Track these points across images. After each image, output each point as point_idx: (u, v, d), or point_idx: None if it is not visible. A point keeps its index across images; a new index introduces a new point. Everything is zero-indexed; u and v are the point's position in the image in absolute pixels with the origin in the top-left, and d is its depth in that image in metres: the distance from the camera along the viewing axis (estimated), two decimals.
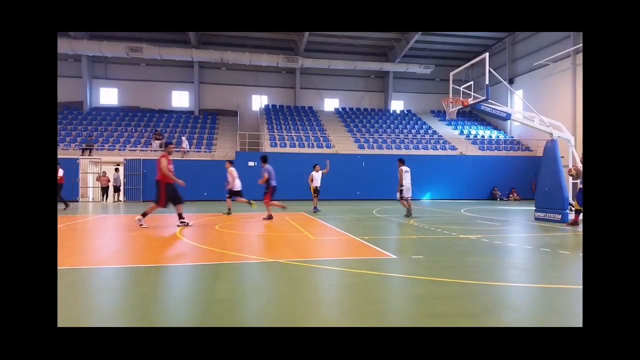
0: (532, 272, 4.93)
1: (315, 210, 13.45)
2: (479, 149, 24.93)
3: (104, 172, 20.86)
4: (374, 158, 22.67)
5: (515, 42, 27.07)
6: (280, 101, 29.50)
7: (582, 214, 9.14)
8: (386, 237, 7.88)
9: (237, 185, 12.27)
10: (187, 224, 8.90)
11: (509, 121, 23.84)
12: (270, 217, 10.71)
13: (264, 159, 11.39)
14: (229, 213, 12.11)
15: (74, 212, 12.69)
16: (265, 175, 10.85)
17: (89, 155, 20.96)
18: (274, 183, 11.05)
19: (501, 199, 22.35)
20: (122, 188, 20.75)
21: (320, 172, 13.84)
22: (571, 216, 9.60)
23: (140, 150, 22.05)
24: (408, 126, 27.87)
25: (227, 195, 12.38)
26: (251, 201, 12.31)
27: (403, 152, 23.65)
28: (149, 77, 28.04)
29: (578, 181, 9.29)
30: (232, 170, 12.28)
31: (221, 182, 21.01)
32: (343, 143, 24.24)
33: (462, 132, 27.49)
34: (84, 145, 21.26)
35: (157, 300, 3.59)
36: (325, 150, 23.27)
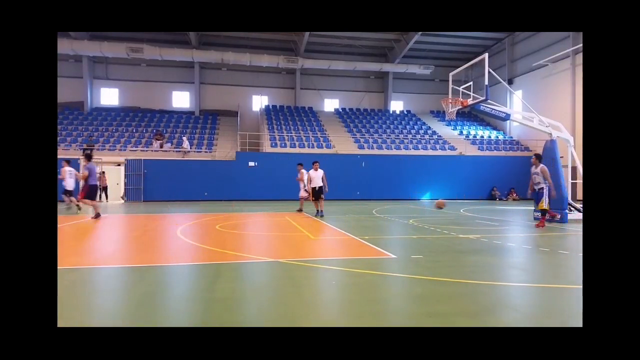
0: (532, 272, 4.93)
1: (319, 214, 11.69)
2: (478, 149, 24.93)
3: (103, 172, 20.85)
4: (374, 158, 22.68)
5: (515, 42, 27.08)
6: (281, 101, 29.51)
7: (546, 213, 9.14)
8: (386, 237, 7.88)
9: (70, 184, 12.60)
10: None
11: (508, 121, 23.84)
12: (98, 216, 10.70)
13: (87, 156, 11.35)
14: (78, 208, 12.43)
15: (74, 212, 12.69)
16: (85, 173, 10.91)
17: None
18: (92, 182, 10.92)
19: (500, 199, 22.35)
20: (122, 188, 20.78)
21: (320, 171, 11.94)
22: (564, 215, 9.51)
23: (141, 151, 22.05)
24: (407, 126, 27.87)
25: (63, 193, 12.74)
26: (75, 205, 12.54)
27: (402, 152, 23.67)
28: (149, 77, 28.04)
29: (542, 183, 9.10)
30: (66, 169, 12.58)
31: (221, 183, 21.12)
32: (343, 143, 24.25)
33: (461, 133, 27.49)
34: (84, 146, 21.25)
35: (157, 300, 3.59)
36: (325, 151, 23.27)
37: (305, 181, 12.53)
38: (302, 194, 13.37)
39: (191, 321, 3.07)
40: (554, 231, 8.45)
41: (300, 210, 13.35)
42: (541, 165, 9.19)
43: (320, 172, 11.88)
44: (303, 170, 13.52)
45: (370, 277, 4.46)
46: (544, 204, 9.00)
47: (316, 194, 11.81)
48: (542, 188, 9.04)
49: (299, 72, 29.13)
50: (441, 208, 10.59)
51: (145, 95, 27.92)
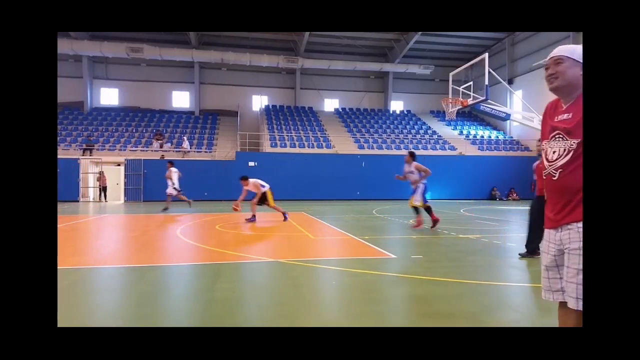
0: (532, 271, 4.93)
1: (250, 220, 10.29)
2: (479, 149, 24.92)
3: (102, 172, 20.84)
4: (374, 158, 22.67)
5: (515, 42, 27.06)
6: (281, 101, 29.51)
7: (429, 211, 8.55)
8: (386, 237, 7.87)
9: None
10: None
11: (508, 121, 23.84)
12: None
13: None
14: None
15: (75, 212, 12.70)
16: None
17: (90, 155, 20.96)
18: None
19: (500, 199, 22.34)
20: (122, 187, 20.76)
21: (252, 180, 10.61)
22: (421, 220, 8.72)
23: (141, 151, 22.04)
24: (408, 126, 27.86)
25: None
26: None
27: (403, 152, 23.64)
28: (149, 77, 28.03)
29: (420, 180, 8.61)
30: None
31: (221, 183, 21.10)
32: (343, 143, 24.24)
33: (461, 133, 27.49)
34: (84, 146, 21.24)
35: (157, 300, 3.59)
36: (325, 151, 23.28)
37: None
38: (170, 191, 14.11)
39: (191, 321, 3.07)
40: None
41: (166, 209, 13.85)
42: (414, 162, 8.76)
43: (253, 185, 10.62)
44: (172, 169, 14.11)
45: (370, 277, 4.46)
46: (415, 200, 8.54)
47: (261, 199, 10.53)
48: (418, 186, 8.63)
49: (299, 72, 29.12)
50: (236, 210, 10.58)
51: (145, 95, 27.90)
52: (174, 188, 14.03)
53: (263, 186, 10.59)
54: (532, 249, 5.53)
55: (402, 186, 22.40)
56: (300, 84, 29.45)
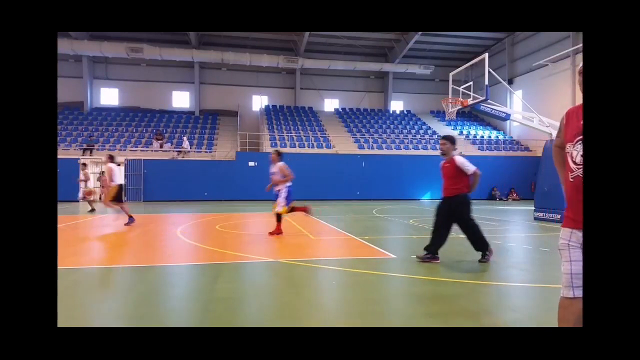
0: (532, 271, 4.93)
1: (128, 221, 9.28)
2: (479, 149, 24.91)
3: (103, 172, 20.83)
4: (374, 158, 22.67)
5: (515, 42, 27.06)
6: (281, 101, 29.50)
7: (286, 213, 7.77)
8: (386, 237, 7.87)
9: None
10: None
11: (508, 121, 23.83)
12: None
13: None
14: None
15: (75, 212, 12.70)
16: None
17: (90, 155, 20.95)
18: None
19: (500, 199, 22.34)
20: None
21: (114, 164, 9.43)
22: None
23: (141, 151, 22.03)
24: (408, 126, 27.85)
25: None
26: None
27: (403, 152, 23.66)
28: (149, 77, 28.01)
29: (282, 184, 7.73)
30: None
31: (221, 183, 21.12)
32: (343, 143, 24.24)
33: (461, 133, 27.47)
34: (84, 146, 21.24)
35: (157, 300, 3.59)
36: (325, 151, 23.27)
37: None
38: (82, 194, 14.52)
39: (191, 321, 3.07)
40: (554, 231, 8.44)
41: (93, 210, 13.86)
42: (279, 163, 7.78)
43: (118, 167, 9.70)
44: (87, 171, 14.28)
45: (370, 277, 4.46)
46: (279, 206, 7.65)
47: (119, 195, 9.48)
48: (280, 190, 7.73)
49: (299, 72, 29.11)
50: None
51: (145, 95, 27.89)
52: (84, 190, 14.50)
53: (113, 180, 9.13)
54: (435, 251, 5.26)
55: (401, 186, 22.46)
56: (300, 84, 29.44)
